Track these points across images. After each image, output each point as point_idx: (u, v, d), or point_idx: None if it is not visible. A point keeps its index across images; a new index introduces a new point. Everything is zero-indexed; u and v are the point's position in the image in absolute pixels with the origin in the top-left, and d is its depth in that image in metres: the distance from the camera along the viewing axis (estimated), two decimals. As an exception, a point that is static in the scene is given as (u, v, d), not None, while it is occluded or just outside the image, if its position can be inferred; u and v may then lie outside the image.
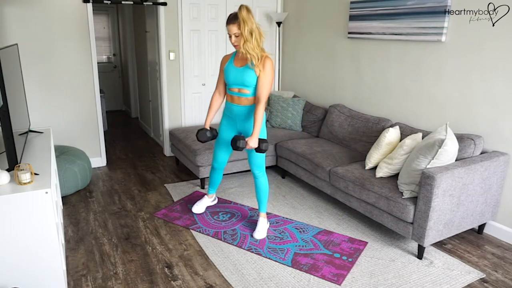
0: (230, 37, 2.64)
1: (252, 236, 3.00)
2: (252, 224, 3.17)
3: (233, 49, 5.03)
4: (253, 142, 2.64)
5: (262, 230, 3.02)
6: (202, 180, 3.91)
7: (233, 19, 2.60)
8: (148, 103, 5.86)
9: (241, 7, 2.57)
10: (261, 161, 2.92)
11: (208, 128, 2.92)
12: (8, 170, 2.15)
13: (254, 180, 3.01)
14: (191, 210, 3.42)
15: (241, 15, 2.55)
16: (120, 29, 7.32)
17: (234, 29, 2.59)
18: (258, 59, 2.61)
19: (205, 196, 3.41)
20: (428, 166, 2.67)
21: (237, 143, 2.61)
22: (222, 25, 4.89)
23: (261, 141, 2.68)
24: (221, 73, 2.88)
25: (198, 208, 3.34)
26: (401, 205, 2.74)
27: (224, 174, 4.21)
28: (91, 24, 4.12)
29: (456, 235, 3.08)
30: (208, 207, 3.47)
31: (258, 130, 2.65)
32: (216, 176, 3.26)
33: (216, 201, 3.52)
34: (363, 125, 3.82)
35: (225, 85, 2.90)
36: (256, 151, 2.73)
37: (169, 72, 4.70)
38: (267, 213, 3.36)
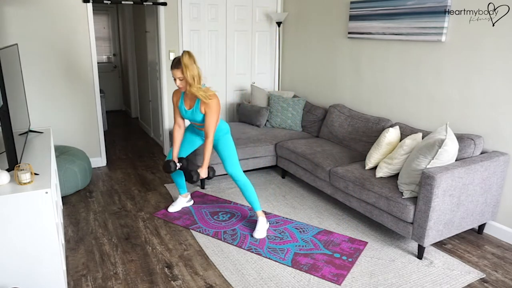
0: (174, 80, 2.81)
1: (252, 236, 3.00)
2: (252, 224, 3.17)
3: (236, 50, 5.03)
4: (203, 173, 2.91)
5: (261, 229, 3.03)
6: (202, 180, 3.91)
7: (176, 64, 2.74)
8: (148, 103, 5.86)
9: (183, 53, 2.72)
10: (234, 161, 3.07)
11: (176, 161, 3.08)
12: (8, 170, 2.15)
13: (236, 184, 3.11)
14: (191, 210, 3.42)
15: (183, 61, 2.70)
16: (120, 29, 7.32)
17: (178, 73, 2.75)
18: (205, 98, 2.77)
19: (179, 196, 3.47)
20: (428, 166, 2.67)
21: (193, 178, 2.85)
22: (222, 25, 4.90)
23: (209, 169, 2.96)
24: (176, 109, 3.06)
25: (174, 208, 3.42)
26: (401, 205, 2.74)
27: (224, 174, 4.21)
28: (91, 24, 4.12)
29: (456, 235, 3.08)
30: (201, 208, 3.47)
31: (207, 164, 2.91)
32: (176, 177, 3.37)
33: (192, 202, 3.56)
34: (363, 125, 3.82)
35: (182, 117, 3.09)
36: (206, 179, 3.01)
37: (169, 72, 4.70)
38: (266, 213, 3.36)
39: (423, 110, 3.49)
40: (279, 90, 5.38)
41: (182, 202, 3.47)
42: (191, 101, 2.91)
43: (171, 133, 4.51)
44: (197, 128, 3.10)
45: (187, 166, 3.12)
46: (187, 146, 3.24)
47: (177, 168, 3.05)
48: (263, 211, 3.23)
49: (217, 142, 3.07)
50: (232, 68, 5.14)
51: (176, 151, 3.14)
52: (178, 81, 2.80)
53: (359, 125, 3.86)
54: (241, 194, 3.78)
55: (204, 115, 2.87)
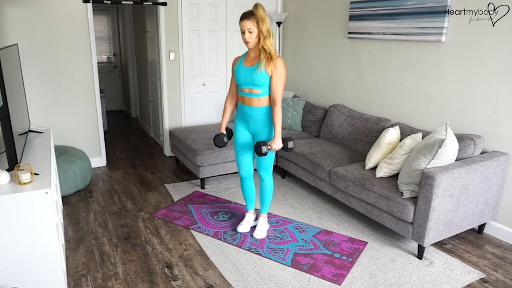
0: (243, 33, 2.57)
1: (252, 236, 3.00)
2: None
3: (236, 50, 5.03)
4: (276, 145, 2.63)
5: (262, 229, 3.01)
6: (202, 180, 3.91)
7: (248, 15, 2.54)
8: (148, 103, 5.86)
9: (257, 5, 2.55)
10: (269, 163, 2.87)
11: (225, 133, 2.87)
12: (8, 170, 2.15)
13: (260, 182, 2.96)
14: (191, 210, 3.42)
15: (259, 13, 2.53)
16: (120, 29, 7.32)
17: (248, 24, 2.53)
18: (270, 59, 2.58)
19: (247, 213, 3.15)
20: (428, 166, 2.67)
21: (261, 149, 2.57)
22: (222, 25, 4.90)
23: (285, 140, 2.65)
24: (233, 75, 2.82)
25: (243, 227, 3.08)
26: (401, 205, 2.74)
27: (224, 174, 4.21)
28: (91, 24, 4.12)
29: (456, 235, 3.08)
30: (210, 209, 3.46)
31: (279, 132, 2.65)
32: (247, 188, 3.05)
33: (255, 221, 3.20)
34: (363, 125, 3.82)
35: (237, 87, 2.84)
36: (285, 151, 2.71)
37: (169, 72, 4.70)
38: (268, 213, 3.35)
39: (423, 110, 3.49)
40: (279, 90, 5.37)
41: (251, 219, 3.12)
42: (254, 60, 2.65)
43: (171, 133, 4.51)
44: (247, 102, 2.73)
45: (232, 135, 2.93)
46: (246, 158, 2.92)
47: (228, 140, 2.85)
48: (268, 213, 3.20)
49: (261, 129, 2.78)
50: (232, 68, 5.13)
51: (225, 123, 2.92)
52: (247, 34, 2.55)
53: (359, 125, 3.86)
54: (241, 194, 3.78)
55: (264, 78, 2.60)
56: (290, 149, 2.68)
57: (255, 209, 3.28)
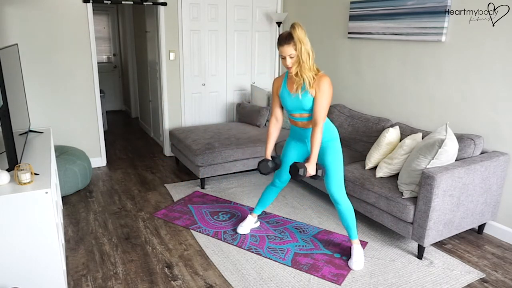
0: (283, 59, 2.39)
1: (349, 267, 2.64)
2: (252, 224, 3.17)
3: (236, 50, 5.03)
4: (311, 169, 2.41)
5: (358, 259, 2.63)
6: (202, 180, 3.91)
7: (287, 39, 2.33)
8: (148, 103, 5.86)
9: (295, 26, 2.32)
10: (339, 182, 2.57)
11: (270, 159, 2.70)
12: (8, 170, 2.15)
13: (336, 207, 2.62)
14: (191, 210, 3.42)
15: (297, 35, 2.30)
16: (120, 29, 7.32)
17: (289, 50, 2.33)
18: (313, 80, 2.39)
19: (249, 215, 3.10)
20: (428, 166, 2.67)
21: (298, 171, 2.36)
22: (222, 25, 4.90)
23: (318, 167, 2.46)
24: (276, 98, 2.65)
25: (243, 229, 3.04)
26: (401, 205, 2.74)
27: (224, 174, 4.21)
28: (91, 24, 4.12)
29: (456, 235, 3.08)
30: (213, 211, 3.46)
31: (316, 156, 2.42)
32: (270, 194, 2.97)
33: (258, 224, 3.16)
34: (363, 125, 3.82)
35: (281, 109, 2.70)
36: (312, 178, 2.49)
37: (169, 72, 4.71)
38: (266, 213, 3.35)
39: (423, 110, 3.49)
40: (279, 90, 5.37)
41: (251, 222, 3.08)
42: (299, 84, 2.42)
43: (171, 133, 4.50)
44: (300, 125, 2.59)
45: (281, 165, 2.78)
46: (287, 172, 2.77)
47: (278, 166, 2.69)
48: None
49: (322, 149, 2.55)
50: (232, 68, 5.14)
51: (270, 148, 2.71)
52: (288, 60, 2.35)
53: (359, 125, 3.86)
54: (242, 194, 3.78)
55: (312, 102, 2.41)
56: (318, 178, 2.46)
57: (258, 215, 3.17)
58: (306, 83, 2.39)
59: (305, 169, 2.38)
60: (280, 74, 5.34)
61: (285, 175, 2.83)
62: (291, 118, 2.64)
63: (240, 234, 3.03)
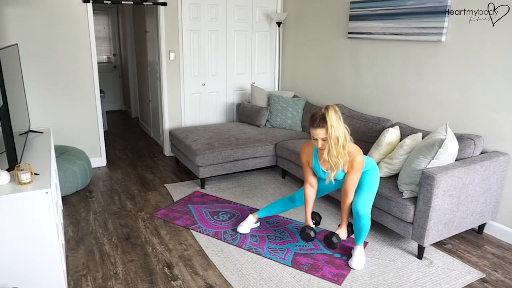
0: (315, 140, 2.41)
1: (348, 266, 2.66)
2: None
3: (236, 50, 5.03)
4: (343, 234, 2.66)
5: (359, 258, 2.64)
6: (202, 180, 3.91)
7: (321, 122, 2.34)
8: (148, 103, 5.86)
9: (329, 109, 2.32)
10: (368, 202, 2.58)
11: (311, 225, 2.77)
12: (8, 170, 2.15)
13: (355, 217, 2.59)
14: (191, 210, 3.42)
15: (331, 120, 2.31)
16: (120, 29, 7.32)
17: (322, 133, 2.35)
18: (344, 163, 2.45)
19: (250, 215, 3.09)
20: (428, 166, 2.67)
21: (334, 243, 2.61)
22: (222, 25, 4.90)
23: (348, 227, 2.74)
24: (307, 168, 2.69)
25: (244, 228, 3.04)
26: (401, 205, 2.74)
27: (224, 174, 4.21)
28: (91, 24, 4.12)
29: (456, 235, 3.08)
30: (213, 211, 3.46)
31: (346, 223, 2.69)
32: (282, 207, 2.98)
33: (258, 224, 3.15)
34: (363, 125, 3.82)
35: (314, 175, 2.72)
36: (327, 245, 2.68)
37: (169, 72, 4.70)
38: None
39: (423, 110, 3.49)
40: (279, 90, 5.38)
41: (251, 221, 3.07)
42: (330, 165, 2.49)
43: (171, 133, 4.50)
44: (327, 182, 2.67)
45: (320, 221, 2.99)
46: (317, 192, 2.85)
47: (316, 233, 2.80)
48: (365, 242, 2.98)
49: (363, 174, 2.63)
50: (232, 68, 5.14)
51: (309, 214, 2.76)
52: (320, 142, 2.39)
53: (359, 125, 3.86)
54: (242, 194, 3.79)
55: (346, 173, 2.52)
56: (348, 237, 2.73)
57: (260, 218, 3.15)
58: (333, 168, 2.45)
59: (339, 238, 2.65)
60: (280, 75, 5.34)
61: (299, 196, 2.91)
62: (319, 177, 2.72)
63: (240, 234, 3.03)
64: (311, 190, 2.74)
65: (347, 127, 2.42)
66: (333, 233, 2.63)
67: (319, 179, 2.77)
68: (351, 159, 2.45)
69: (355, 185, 2.55)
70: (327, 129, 2.34)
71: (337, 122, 2.34)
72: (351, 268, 2.62)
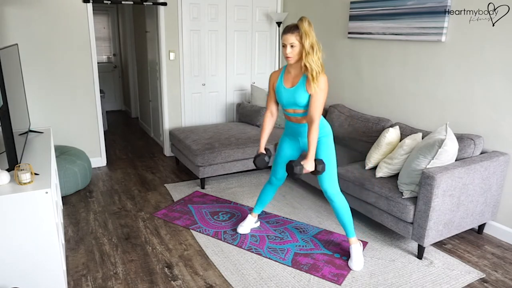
0: (284, 47, 2.43)
1: (348, 266, 2.65)
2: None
3: (236, 49, 5.03)
4: (309, 166, 2.41)
5: (357, 259, 2.63)
6: (202, 180, 3.91)
7: (292, 29, 2.39)
8: (148, 103, 5.86)
9: (303, 19, 2.39)
10: (332, 179, 2.60)
11: (264, 152, 2.73)
12: (8, 170, 2.15)
13: (330, 204, 2.66)
14: (191, 210, 3.42)
15: (303, 27, 2.36)
16: (120, 29, 7.32)
17: (291, 39, 2.38)
18: (318, 74, 2.41)
19: (249, 215, 3.10)
20: (428, 166, 2.67)
21: (294, 169, 2.37)
22: (222, 25, 4.90)
23: (317, 162, 2.45)
24: (272, 92, 2.69)
25: (243, 229, 3.04)
26: (401, 205, 2.74)
27: (224, 174, 4.21)
28: (91, 24, 4.12)
29: (456, 235, 3.08)
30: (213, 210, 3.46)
31: (313, 152, 2.43)
32: (268, 192, 2.99)
33: (258, 223, 3.16)
34: (363, 125, 3.82)
35: (276, 104, 2.73)
36: (312, 174, 2.48)
37: (169, 72, 4.71)
38: (266, 213, 3.35)
39: (423, 110, 3.49)
40: (279, 90, 5.37)
41: (251, 222, 3.08)
42: (295, 79, 2.50)
43: (171, 133, 4.50)
44: (294, 121, 2.63)
45: (270, 156, 2.79)
46: (284, 168, 2.79)
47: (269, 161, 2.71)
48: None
49: (306, 147, 2.59)
50: (232, 68, 5.14)
51: (264, 142, 2.77)
52: (288, 48, 2.40)
53: (359, 125, 3.86)
54: (242, 194, 3.78)
55: (307, 99, 2.46)
56: (319, 173, 2.47)
57: (259, 214, 3.18)
58: (312, 73, 2.40)
59: (301, 167, 2.39)
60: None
61: (281, 172, 2.84)
62: (285, 114, 2.67)
63: (240, 234, 3.03)
64: (270, 118, 2.76)
65: (319, 43, 2.44)
66: (299, 162, 2.40)
67: (289, 126, 2.70)
68: (316, 76, 2.42)
69: (320, 108, 2.44)
70: (298, 36, 2.38)
71: (310, 31, 2.38)
72: (351, 269, 2.61)
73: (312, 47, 2.38)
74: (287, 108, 2.60)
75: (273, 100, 2.71)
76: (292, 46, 2.40)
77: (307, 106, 2.50)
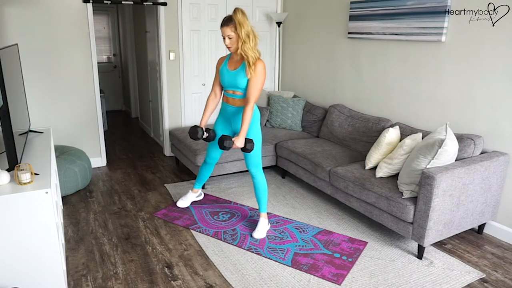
0: (224, 39, 2.69)
1: (251, 236, 3.00)
2: (252, 224, 3.17)
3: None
4: (239, 142, 2.70)
5: (262, 230, 3.01)
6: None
7: (227, 21, 2.65)
8: (148, 103, 5.86)
9: (236, 10, 2.63)
10: (256, 159, 2.94)
11: (203, 128, 2.95)
12: (8, 170, 2.15)
13: (252, 180, 3.04)
14: (191, 210, 3.42)
15: (237, 17, 2.61)
16: (120, 29, 7.32)
17: (227, 31, 2.64)
18: (254, 61, 2.65)
19: (190, 191, 3.48)
20: (428, 166, 2.67)
21: (224, 143, 2.66)
22: (222, 25, 4.90)
23: (247, 141, 2.74)
24: (217, 75, 2.94)
25: (183, 202, 3.41)
26: (401, 205, 2.74)
27: (224, 174, 4.21)
28: (91, 24, 4.12)
29: (456, 235, 3.08)
30: (203, 206, 3.47)
31: (245, 131, 2.71)
32: (206, 171, 3.32)
33: (202, 197, 3.57)
34: (363, 125, 3.82)
35: (221, 86, 2.98)
36: (242, 151, 2.78)
37: (169, 72, 4.71)
38: (268, 213, 3.36)
39: (423, 110, 3.49)
40: (279, 90, 5.38)
41: (192, 197, 3.47)
42: (237, 63, 2.77)
43: (171, 133, 4.51)
44: (231, 103, 2.87)
45: (214, 138, 3.03)
46: (218, 150, 3.12)
47: (204, 136, 2.94)
48: (267, 213, 3.22)
49: (238, 129, 2.89)
50: (232, 68, 5.13)
51: (205, 119, 3.03)
52: (227, 40, 2.66)
53: (359, 125, 3.86)
54: (242, 194, 3.79)
55: (245, 81, 2.72)
56: (249, 151, 2.77)
57: (203, 190, 3.51)
58: (249, 60, 2.64)
59: (231, 141, 2.68)
60: (280, 75, 5.34)
61: (214, 152, 3.15)
62: (225, 95, 2.93)
63: (240, 233, 3.03)
64: (213, 99, 3.03)
65: (254, 29, 2.68)
66: (229, 137, 2.69)
67: (224, 107, 2.96)
68: (255, 64, 2.66)
69: (257, 91, 2.70)
70: (233, 27, 2.62)
71: (244, 21, 2.61)
72: (255, 238, 2.93)
73: (247, 35, 2.62)
74: (228, 89, 2.86)
75: (218, 82, 2.98)
76: (229, 37, 2.65)
77: (245, 90, 2.76)
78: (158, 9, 4.52)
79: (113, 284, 2.45)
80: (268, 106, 4.74)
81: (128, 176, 4.29)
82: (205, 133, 2.93)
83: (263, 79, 2.70)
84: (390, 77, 3.77)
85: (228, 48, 2.71)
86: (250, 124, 2.81)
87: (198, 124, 3.07)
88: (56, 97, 4.13)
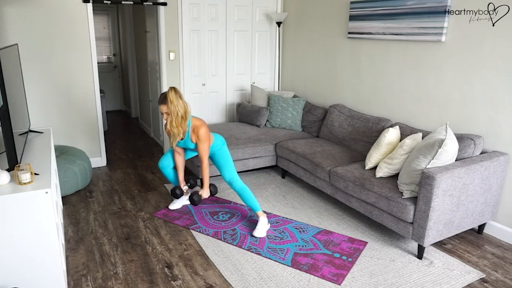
0: (162, 114, 2.95)
1: (252, 235, 3.00)
2: (252, 224, 3.17)
3: (236, 49, 5.03)
4: (205, 194, 3.17)
5: (261, 228, 3.03)
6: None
7: (163, 100, 2.88)
8: (148, 103, 5.86)
9: (170, 89, 2.86)
10: (231, 170, 3.17)
11: (182, 185, 3.36)
12: (8, 170, 2.15)
13: (233, 189, 3.18)
14: (190, 210, 3.42)
15: (169, 96, 2.84)
16: (120, 29, 7.32)
17: (164, 108, 2.88)
18: (186, 131, 2.97)
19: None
20: (428, 166, 2.67)
21: (195, 201, 3.10)
22: (222, 25, 4.90)
23: (211, 187, 3.26)
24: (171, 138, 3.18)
25: (175, 205, 3.47)
26: (401, 205, 2.74)
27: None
28: (91, 24, 4.12)
29: (456, 235, 3.08)
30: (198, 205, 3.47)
31: (207, 185, 3.17)
32: (168, 173, 3.43)
33: (189, 192, 3.62)
34: (363, 125, 3.82)
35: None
36: (210, 197, 3.36)
37: (169, 72, 4.71)
38: (266, 213, 3.36)
39: (423, 110, 3.49)
40: (279, 90, 5.38)
41: (183, 199, 3.49)
42: (184, 134, 3.03)
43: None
44: (192, 151, 3.35)
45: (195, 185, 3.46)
46: (173, 157, 3.40)
47: (185, 191, 3.36)
48: (263, 211, 3.23)
49: (213, 154, 3.21)
50: (232, 68, 5.14)
51: (181, 175, 3.36)
52: (165, 116, 2.92)
53: (359, 125, 3.86)
54: (241, 194, 3.80)
55: (194, 145, 3.06)
56: (213, 195, 3.36)
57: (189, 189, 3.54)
58: (188, 133, 2.99)
59: (200, 196, 3.13)
60: (280, 75, 5.35)
61: (171, 160, 3.38)
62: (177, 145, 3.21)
63: (240, 232, 3.03)
64: (178, 156, 3.31)
65: (187, 104, 2.94)
66: (196, 192, 3.12)
67: (186, 150, 3.36)
68: (196, 131, 2.97)
69: (206, 152, 3.05)
70: (168, 105, 2.85)
71: (177, 100, 2.85)
72: (256, 238, 2.97)
73: (177, 113, 2.87)
74: (182, 147, 3.25)
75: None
76: (167, 114, 2.90)
77: (196, 146, 3.08)
78: (158, 9, 4.52)
79: (113, 284, 2.45)
80: (268, 106, 4.75)
81: (128, 176, 4.29)
82: (184, 188, 3.35)
83: (208, 140, 3.03)
84: (390, 77, 3.77)
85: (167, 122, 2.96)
86: (221, 149, 3.20)
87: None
88: (56, 97, 4.13)
